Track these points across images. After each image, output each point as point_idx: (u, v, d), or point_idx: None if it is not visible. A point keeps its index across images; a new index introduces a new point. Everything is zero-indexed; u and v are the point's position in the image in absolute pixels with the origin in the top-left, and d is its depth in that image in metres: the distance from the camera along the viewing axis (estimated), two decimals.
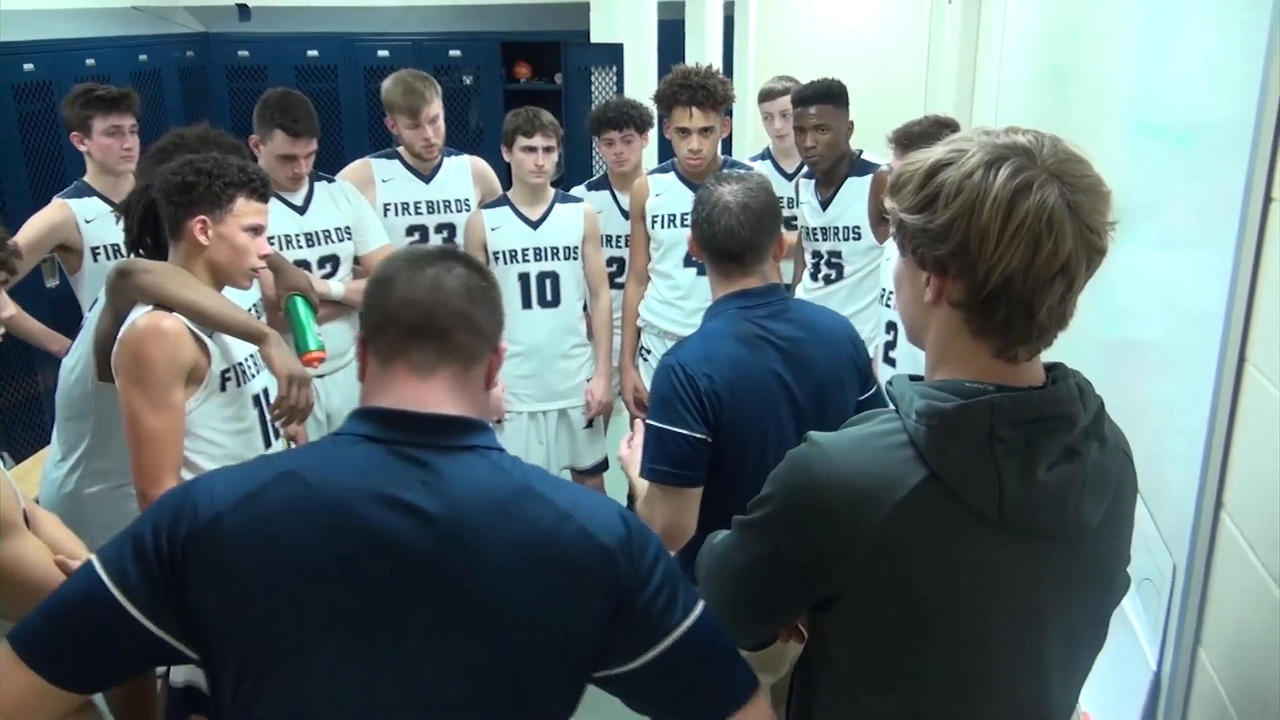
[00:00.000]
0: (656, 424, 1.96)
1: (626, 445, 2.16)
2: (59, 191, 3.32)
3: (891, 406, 1.17)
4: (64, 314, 3.26)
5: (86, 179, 3.29)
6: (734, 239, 2.01)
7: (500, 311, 1.30)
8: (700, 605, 1.22)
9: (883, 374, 2.91)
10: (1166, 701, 1.55)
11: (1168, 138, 1.74)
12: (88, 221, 3.13)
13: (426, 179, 3.59)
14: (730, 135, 3.60)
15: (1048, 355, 1.16)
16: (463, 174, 3.67)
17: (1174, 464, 1.51)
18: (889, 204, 1.15)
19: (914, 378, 1.18)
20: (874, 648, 1.17)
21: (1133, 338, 1.88)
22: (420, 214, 3.57)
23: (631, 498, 2.28)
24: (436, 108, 3.46)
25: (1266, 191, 1.31)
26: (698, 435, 1.95)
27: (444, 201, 3.59)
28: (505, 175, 3.50)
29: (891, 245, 2.89)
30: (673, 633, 1.19)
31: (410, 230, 3.56)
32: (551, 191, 3.46)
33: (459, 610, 1.14)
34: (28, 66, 4.46)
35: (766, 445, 1.98)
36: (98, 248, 3.15)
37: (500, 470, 1.19)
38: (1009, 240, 1.04)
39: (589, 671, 1.21)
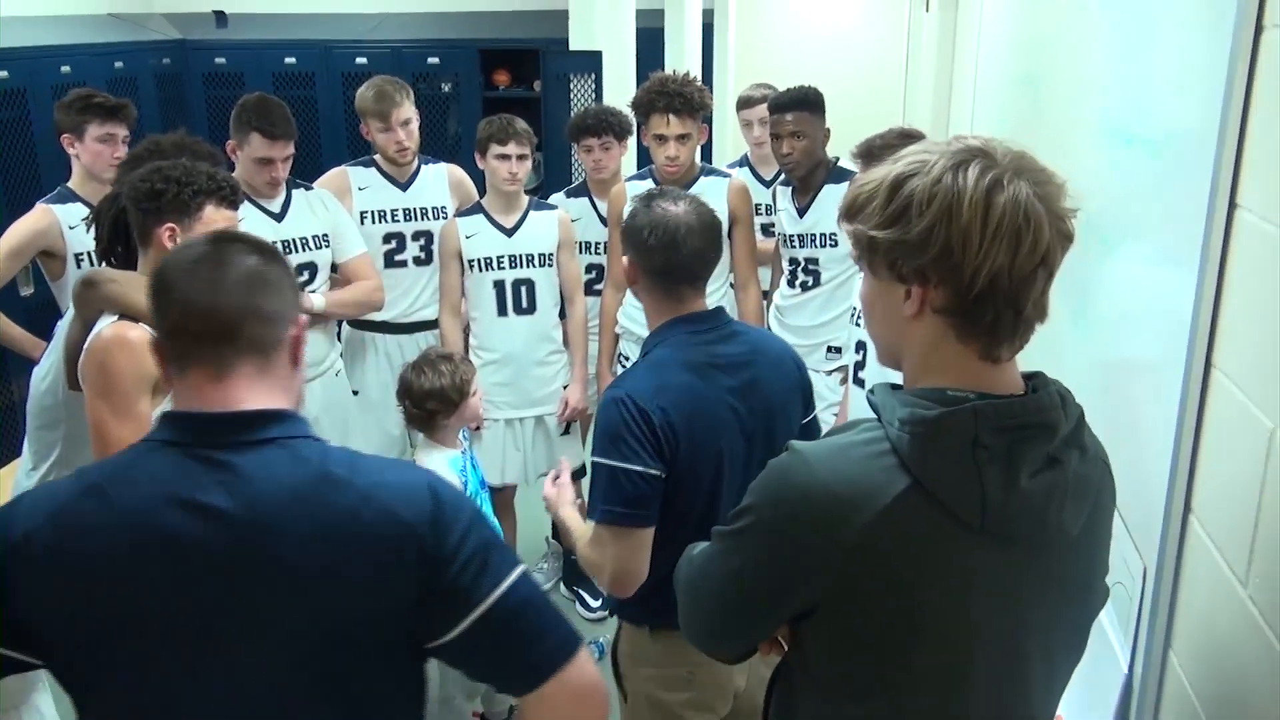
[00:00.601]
0: (607, 461, 1.83)
1: (551, 483, 2.10)
2: (33, 197, 3.29)
3: (873, 416, 1.18)
4: (39, 321, 3.23)
5: (71, 184, 3.26)
6: (700, 260, 1.95)
7: (289, 284, 1.30)
8: (517, 570, 1.23)
9: (852, 395, 2.90)
10: (1138, 703, 1.56)
11: (1137, 146, 1.76)
12: (71, 227, 3.10)
13: (403, 186, 3.59)
14: (710, 143, 3.62)
15: (1024, 363, 1.17)
16: (439, 181, 3.67)
17: (1144, 468, 1.52)
18: (849, 227, 1.15)
19: (895, 387, 1.18)
20: (855, 656, 1.17)
21: (1103, 343, 1.90)
22: (397, 221, 3.57)
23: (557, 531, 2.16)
24: (408, 111, 3.46)
25: (1231, 198, 1.32)
26: (652, 471, 1.83)
27: (420, 209, 3.59)
28: (482, 183, 3.50)
29: None
30: (485, 600, 1.20)
31: (387, 238, 3.56)
32: (526, 199, 3.47)
33: (266, 605, 1.16)
34: (2, 74, 4.44)
35: (720, 474, 1.91)
36: (81, 254, 3.13)
37: (300, 459, 1.20)
38: (991, 238, 1.05)
39: (415, 646, 1.24)
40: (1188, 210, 1.41)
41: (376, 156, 3.57)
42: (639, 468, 1.83)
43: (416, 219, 3.58)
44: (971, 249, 1.05)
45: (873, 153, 2.59)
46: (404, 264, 3.58)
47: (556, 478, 2.11)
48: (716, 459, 1.91)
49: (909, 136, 2.54)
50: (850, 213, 1.14)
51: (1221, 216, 1.33)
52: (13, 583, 1.16)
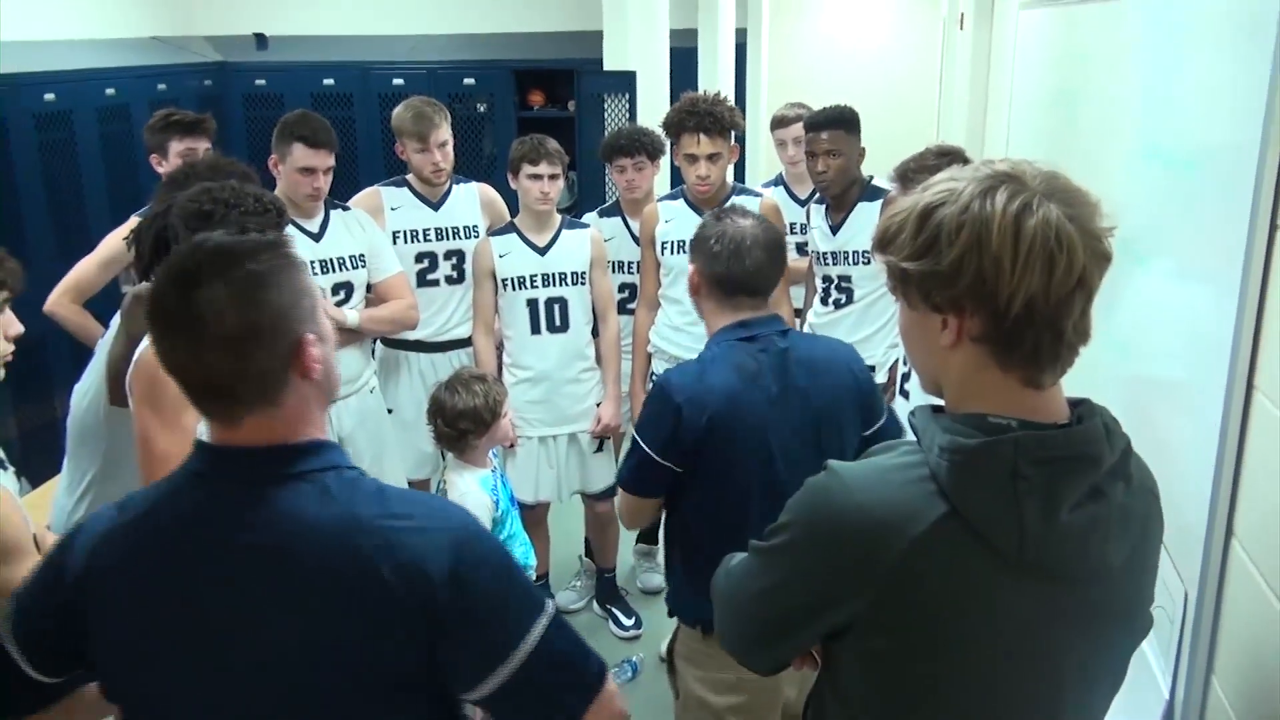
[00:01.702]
0: (636, 434, 2.06)
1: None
2: (79, 216, 3.37)
3: (912, 438, 1.17)
4: None
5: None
6: (763, 276, 2.06)
7: (282, 311, 1.19)
8: (544, 617, 1.22)
9: (899, 407, 2.88)
10: None
11: (1174, 164, 1.75)
12: (126, 240, 3.17)
13: (435, 206, 3.62)
14: (742, 162, 3.63)
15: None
16: (471, 201, 3.69)
17: (1183, 491, 1.50)
18: (882, 259, 1.14)
19: (936, 409, 1.17)
20: (885, 680, 1.16)
21: (1141, 365, 1.87)
22: (429, 241, 3.60)
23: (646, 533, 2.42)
24: (445, 133, 3.50)
25: (1272, 219, 1.31)
26: (662, 462, 2.02)
27: (452, 228, 3.61)
28: (516, 202, 3.53)
29: None
30: (513, 656, 1.19)
31: (419, 257, 3.59)
32: (558, 218, 3.49)
33: (277, 636, 1.17)
34: (48, 96, 4.53)
35: (761, 476, 1.98)
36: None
37: (327, 498, 1.19)
38: (1024, 263, 1.03)
39: (442, 694, 1.23)
40: (1227, 229, 1.40)
41: (409, 176, 3.61)
42: (653, 454, 2.03)
43: (448, 238, 3.61)
44: (1004, 276, 1.04)
45: (908, 175, 2.58)
46: (436, 283, 3.61)
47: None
48: (753, 460, 1.99)
49: (946, 154, 2.53)
50: (882, 244, 1.14)
51: (1263, 236, 1.32)
52: (80, 607, 1.22)
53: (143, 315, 2.06)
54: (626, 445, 3.98)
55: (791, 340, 2.08)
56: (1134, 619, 1.22)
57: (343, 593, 1.16)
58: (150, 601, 1.20)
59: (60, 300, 3.14)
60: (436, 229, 3.60)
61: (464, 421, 2.70)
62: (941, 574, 1.09)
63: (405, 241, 3.56)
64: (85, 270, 3.19)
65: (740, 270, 2.03)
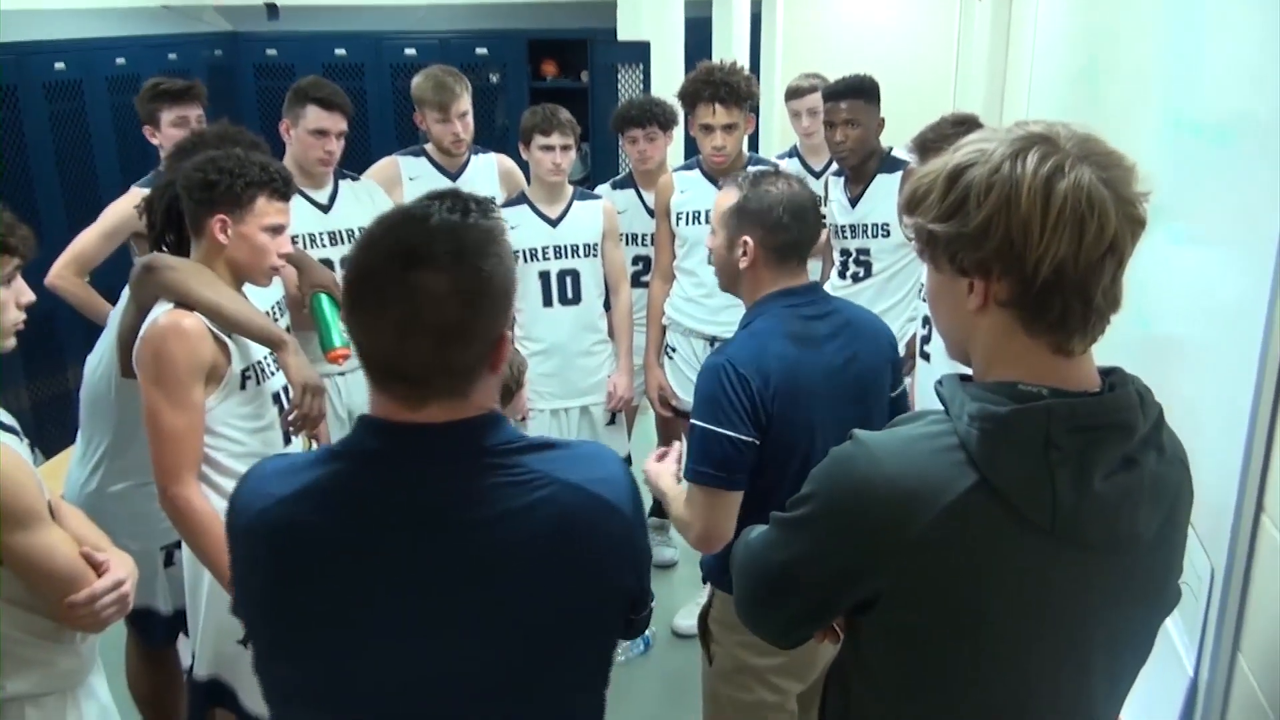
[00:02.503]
0: (701, 424, 1.92)
1: (655, 460, 2.13)
2: (90, 187, 3.35)
3: (940, 407, 1.14)
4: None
5: (161, 169, 3.32)
6: (816, 233, 2.05)
7: (496, 310, 1.16)
8: None
9: (920, 370, 2.89)
10: (1204, 708, 1.52)
11: (1204, 134, 1.71)
12: (136, 209, 3.15)
13: (453, 177, 3.58)
14: (756, 133, 3.59)
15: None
16: (489, 172, 3.66)
17: (1213, 466, 1.47)
18: (909, 220, 1.12)
19: (964, 378, 1.14)
20: (912, 653, 1.15)
21: (1171, 337, 1.84)
22: (494, 211, 3.56)
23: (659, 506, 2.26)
24: (466, 104, 3.47)
25: None
26: (744, 438, 1.91)
27: None
28: (529, 173, 3.49)
29: None
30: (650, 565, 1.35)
31: None
32: (570, 189, 3.46)
33: (510, 609, 1.19)
34: (59, 65, 4.50)
35: (814, 445, 1.94)
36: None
37: (529, 469, 1.19)
38: (1053, 226, 1.01)
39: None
40: (1260, 199, 1.36)
41: (427, 146, 3.58)
42: (731, 433, 1.90)
43: None
44: (1032, 239, 1.01)
45: (926, 146, 2.55)
46: None
47: (662, 457, 2.14)
48: (810, 429, 1.96)
49: (962, 123, 2.50)
50: (910, 205, 1.11)
51: None
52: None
53: (153, 284, 2.06)
54: (639, 418, 4.00)
55: (836, 304, 2.09)
56: (1163, 590, 1.20)
57: (578, 551, 1.19)
58: (347, 588, 1.17)
59: (61, 273, 3.11)
60: None
61: None
62: (970, 545, 1.06)
63: None
64: (87, 242, 3.17)
65: (805, 234, 2.02)
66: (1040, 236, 1.01)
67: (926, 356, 2.79)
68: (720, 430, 1.90)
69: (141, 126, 3.39)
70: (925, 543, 1.06)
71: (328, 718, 1.22)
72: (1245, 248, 1.45)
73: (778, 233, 1.99)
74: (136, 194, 3.19)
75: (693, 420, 1.95)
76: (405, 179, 3.53)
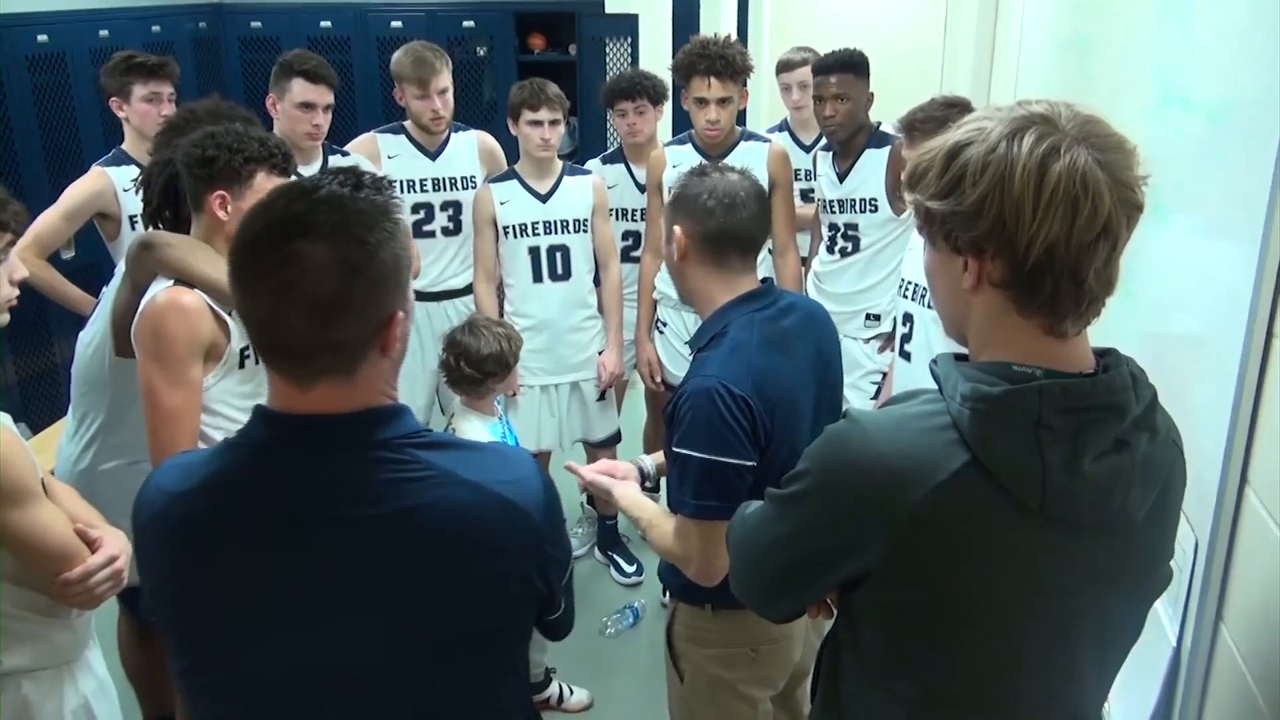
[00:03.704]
0: (700, 455, 1.78)
1: (589, 472, 2.08)
2: (75, 160, 3.32)
3: (924, 386, 1.16)
4: (80, 285, 3.27)
5: (124, 147, 3.31)
6: (754, 226, 1.92)
7: (382, 286, 1.12)
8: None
9: (899, 369, 2.87)
10: (1187, 677, 1.54)
11: (1196, 112, 1.71)
12: (125, 190, 3.12)
13: (433, 155, 3.57)
14: (745, 107, 3.59)
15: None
16: (469, 150, 3.65)
17: (1197, 439, 1.48)
18: (910, 198, 1.13)
19: (959, 357, 1.15)
20: (903, 631, 1.16)
21: (1157, 314, 1.86)
22: (425, 191, 3.55)
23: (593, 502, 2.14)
24: (446, 80, 3.45)
25: None
26: (749, 464, 1.79)
27: (449, 179, 3.57)
28: (516, 148, 3.48)
29: (914, 231, 2.85)
30: (569, 566, 1.36)
31: (415, 208, 3.54)
32: (559, 164, 3.45)
33: (399, 608, 1.20)
34: (41, 38, 4.45)
35: (787, 444, 1.86)
36: (135, 216, 3.15)
37: (423, 465, 1.17)
38: (1045, 207, 1.02)
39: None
40: (1249, 178, 1.37)
41: (407, 123, 3.56)
42: (736, 460, 1.78)
43: (445, 189, 3.57)
44: (1025, 219, 1.02)
45: (915, 125, 2.54)
46: (432, 234, 3.57)
47: (599, 472, 2.09)
48: (794, 432, 1.87)
49: (953, 105, 2.50)
50: (911, 182, 1.12)
51: None
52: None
53: (151, 260, 2.05)
54: (629, 393, 4.01)
55: (789, 299, 1.99)
56: (1154, 572, 1.22)
57: (471, 553, 1.17)
58: (239, 581, 1.16)
59: (23, 254, 3.08)
60: (434, 179, 3.56)
61: (490, 364, 2.71)
62: (961, 524, 1.08)
63: (401, 191, 3.51)
64: (47, 223, 3.13)
65: (735, 223, 1.88)
66: (1033, 217, 1.02)
67: (907, 356, 2.76)
68: (724, 460, 1.77)
69: (107, 99, 3.33)
70: (916, 521, 1.07)
71: (230, 711, 1.22)
72: (1233, 225, 1.46)
73: (703, 219, 1.88)
74: (98, 174, 3.19)
75: (684, 450, 1.80)
76: (384, 156, 3.51)
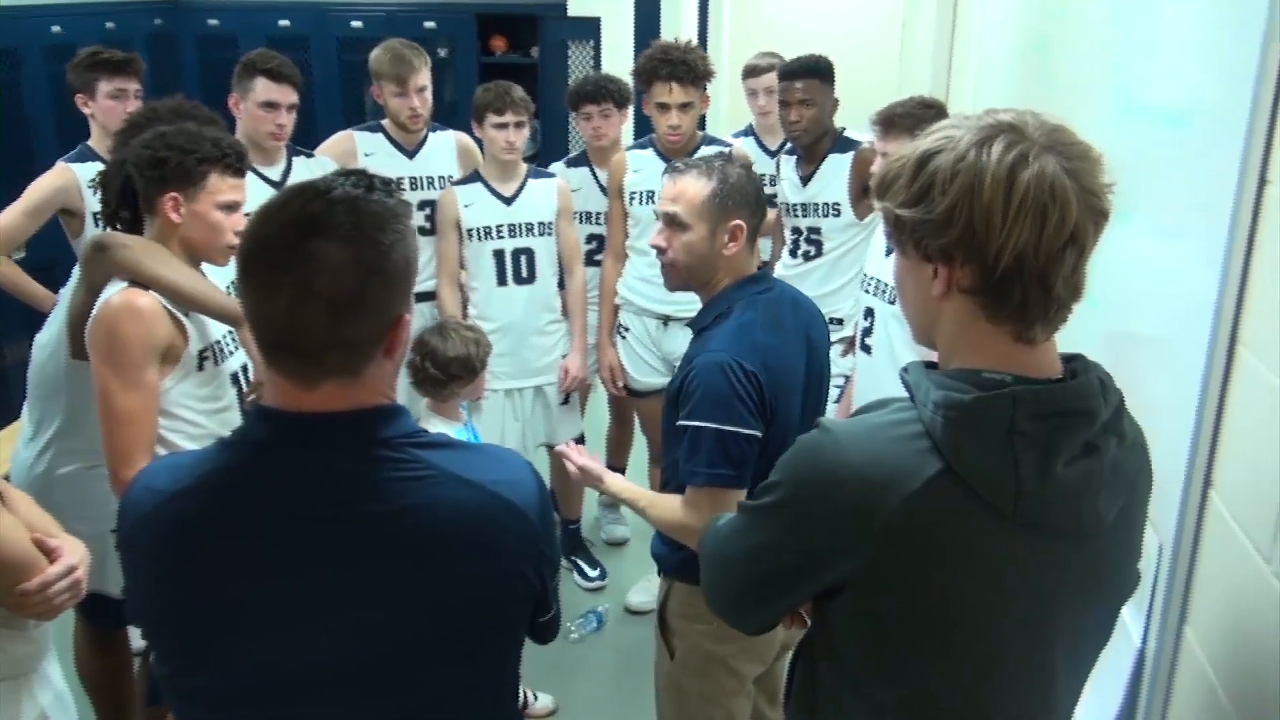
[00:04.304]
0: (714, 425, 1.88)
1: (581, 457, 2.15)
2: (27, 158, 3.27)
3: (886, 391, 1.16)
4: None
5: (90, 143, 3.26)
6: (760, 220, 2.07)
7: (394, 287, 1.14)
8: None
9: (860, 362, 2.90)
10: (1150, 679, 1.56)
11: (1158, 118, 1.74)
12: (90, 186, 3.07)
13: (410, 154, 3.55)
14: (705, 111, 3.61)
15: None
16: (447, 150, 3.63)
17: (1161, 444, 1.50)
18: (880, 205, 1.13)
19: (929, 365, 1.16)
20: (882, 639, 1.16)
21: (1122, 319, 1.88)
22: (402, 190, 3.51)
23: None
24: (424, 78, 3.43)
25: (1261, 174, 1.30)
26: (756, 433, 1.91)
27: (427, 178, 3.54)
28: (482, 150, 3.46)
29: (875, 225, 2.87)
30: (559, 568, 1.44)
31: None
32: (524, 167, 3.44)
33: (398, 605, 1.19)
34: None
35: (789, 430, 1.96)
36: (100, 212, 3.10)
37: (424, 464, 1.17)
38: (1015, 215, 1.03)
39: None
40: (1213, 185, 1.39)
41: (385, 121, 3.54)
42: (746, 430, 1.89)
43: (422, 188, 3.54)
44: (994, 227, 1.03)
45: (894, 120, 2.57)
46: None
47: (580, 456, 2.17)
48: (789, 413, 1.99)
49: (929, 106, 2.53)
50: (880, 189, 1.12)
51: (1251, 192, 1.31)
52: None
53: (106, 262, 2.01)
54: (592, 397, 4.00)
55: (780, 285, 2.13)
56: (1123, 575, 1.23)
57: (472, 551, 1.17)
58: (236, 579, 1.15)
59: None
60: (411, 178, 3.53)
61: (456, 366, 2.69)
62: (935, 532, 1.08)
63: None
64: (9, 220, 3.08)
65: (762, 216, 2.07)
66: (1002, 225, 1.03)
67: (868, 349, 2.79)
68: (735, 429, 1.88)
69: (72, 95, 3.29)
70: (891, 529, 1.07)
71: (223, 712, 1.20)
72: (1197, 232, 1.48)
73: (760, 213, 2.04)
74: (63, 169, 3.14)
75: (694, 423, 1.90)
76: (361, 154, 3.48)
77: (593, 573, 3.76)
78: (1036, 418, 1.06)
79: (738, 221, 2.00)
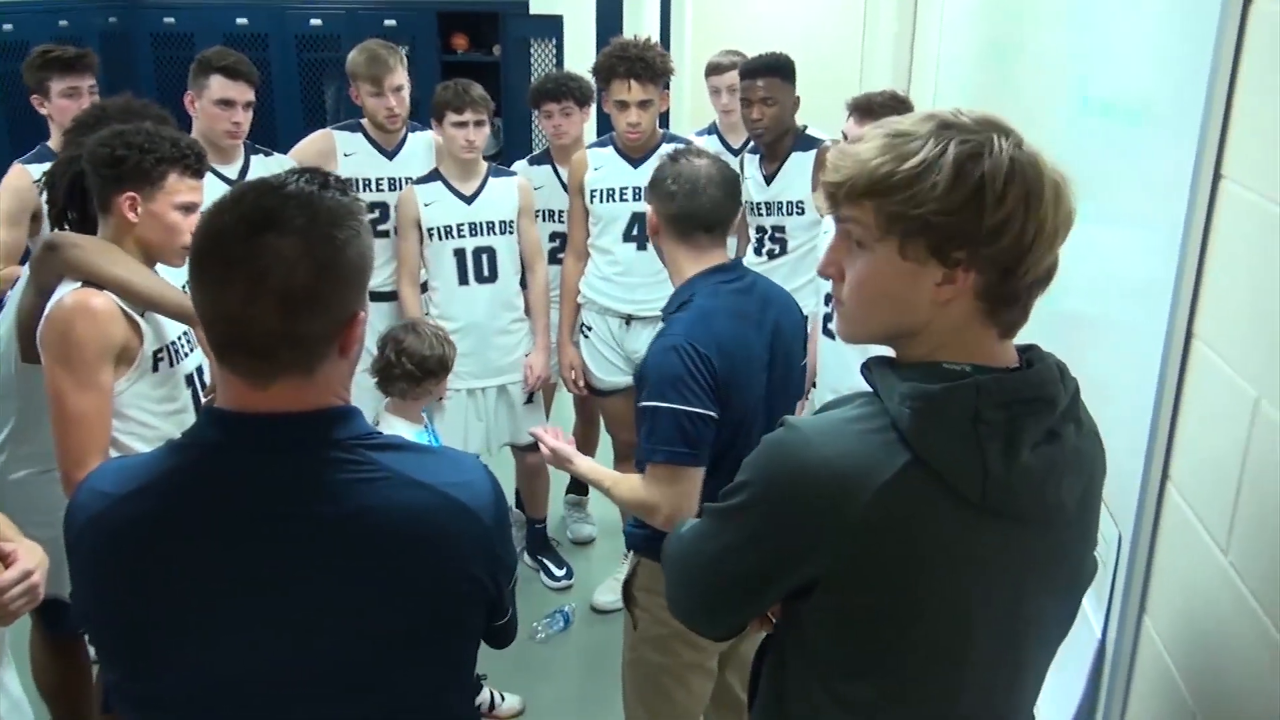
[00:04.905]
0: (668, 405, 1.94)
1: (552, 439, 2.21)
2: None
3: (870, 389, 1.16)
4: None
5: (50, 143, 3.20)
6: (720, 210, 2.07)
7: (348, 284, 1.13)
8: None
9: (823, 345, 2.94)
10: (1111, 668, 1.58)
11: (1115, 115, 1.76)
12: (37, 184, 3.02)
13: (390, 154, 3.53)
14: (667, 109, 3.60)
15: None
16: (426, 150, 3.60)
17: (1120, 437, 1.52)
18: (873, 204, 1.07)
19: (889, 360, 1.16)
20: (856, 634, 1.16)
21: (1081, 313, 1.90)
22: (381, 191, 3.50)
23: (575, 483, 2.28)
24: (401, 77, 3.41)
25: (1216, 168, 1.32)
26: (711, 413, 1.95)
27: (407, 179, 3.51)
28: None
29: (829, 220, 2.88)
30: (515, 570, 1.35)
31: (371, 207, 3.47)
32: (484, 165, 3.42)
33: (349, 605, 1.18)
34: None
35: (757, 419, 2.03)
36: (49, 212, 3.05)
37: (377, 466, 1.16)
38: (1061, 227, 1.07)
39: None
40: (1169, 180, 1.41)
41: (364, 121, 3.51)
42: (700, 410, 1.94)
43: (401, 189, 3.51)
44: (1043, 238, 1.05)
45: (872, 108, 2.59)
46: (387, 234, 3.50)
47: (555, 437, 2.23)
48: (756, 402, 2.04)
49: (902, 100, 2.55)
50: (878, 190, 1.06)
51: (1206, 187, 1.33)
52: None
53: (58, 262, 1.97)
54: (557, 396, 3.99)
55: (753, 277, 2.16)
56: (1083, 562, 1.25)
57: (424, 553, 1.16)
58: (188, 582, 1.13)
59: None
60: (390, 179, 3.50)
61: (433, 364, 2.69)
62: (906, 523, 1.08)
63: (357, 190, 3.44)
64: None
65: (695, 206, 2.05)
66: (1046, 239, 1.06)
67: (831, 335, 2.84)
68: (688, 408, 1.93)
69: (29, 95, 3.26)
70: (863, 524, 1.07)
71: (174, 718, 1.19)
72: (1154, 226, 1.50)
73: (666, 202, 2.06)
74: (19, 170, 3.09)
75: (652, 403, 1.96)
76: (340, 154, 3.45)
77: (559, 572, 3.74)
78: (1000, 406, 1.07)
79: (650, 210, 2.11)
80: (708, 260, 2.08)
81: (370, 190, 3.48)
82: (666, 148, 3.35)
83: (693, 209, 2.05)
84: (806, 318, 2.28)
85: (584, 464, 2.19)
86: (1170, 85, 1.50)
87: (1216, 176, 1.32)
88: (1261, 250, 1.21)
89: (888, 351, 1.18)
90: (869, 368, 1.16)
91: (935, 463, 1.07)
